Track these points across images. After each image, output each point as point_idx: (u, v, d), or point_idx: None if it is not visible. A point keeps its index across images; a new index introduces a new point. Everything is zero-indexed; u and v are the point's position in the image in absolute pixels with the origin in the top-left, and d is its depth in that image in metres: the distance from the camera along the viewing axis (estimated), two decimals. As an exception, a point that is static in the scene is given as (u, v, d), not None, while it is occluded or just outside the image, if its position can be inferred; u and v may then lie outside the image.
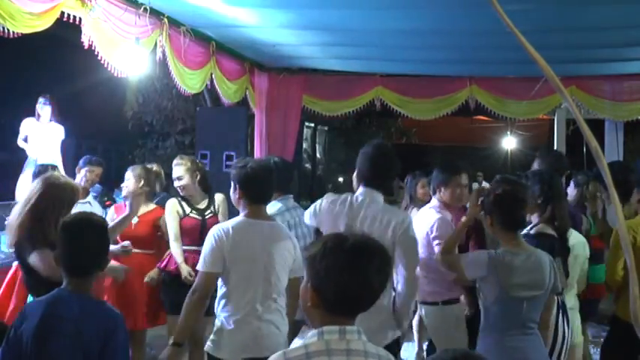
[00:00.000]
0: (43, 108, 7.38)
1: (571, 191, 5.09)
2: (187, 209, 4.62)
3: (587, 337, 5.24)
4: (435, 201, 4.32)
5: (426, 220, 4.21)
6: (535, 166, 4.55)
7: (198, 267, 3.33)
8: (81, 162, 5.43)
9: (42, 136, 7.43)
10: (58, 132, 7.55)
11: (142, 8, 5.03)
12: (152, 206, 4.84)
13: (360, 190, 3.49)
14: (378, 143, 3.65)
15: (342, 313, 1.82)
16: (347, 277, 1.77)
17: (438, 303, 4.16)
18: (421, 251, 3.92)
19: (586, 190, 5.07)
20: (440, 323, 4.20)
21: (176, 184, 4.64)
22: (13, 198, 7.66)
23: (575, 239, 3.97)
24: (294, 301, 3.35)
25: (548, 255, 3.25)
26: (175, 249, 4.60)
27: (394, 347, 3.50)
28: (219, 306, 3.34)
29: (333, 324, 1.81)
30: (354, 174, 3.61)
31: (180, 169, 4.62)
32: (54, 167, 4.77)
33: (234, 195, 3.42)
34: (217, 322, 3.33)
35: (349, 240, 1.82)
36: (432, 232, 4.11)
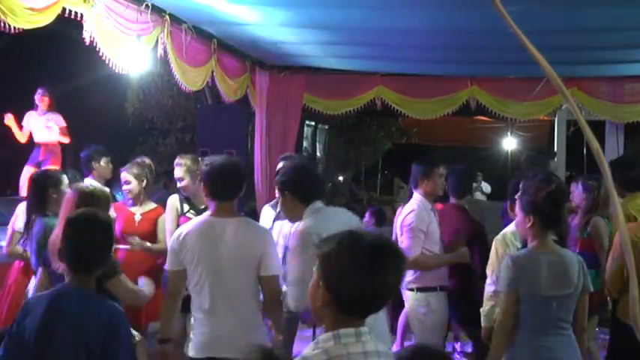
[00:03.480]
0: (42, 99, 7.55)
1: (579, 194, 5.09)
2: (186, 207, 4.70)
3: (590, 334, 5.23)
4: (416, 195, 4.53)
5: (404, 212, 4.47)
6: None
7: (166, 265, 3.41)
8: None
9: (41, 126, 7.53)
10: (56, 121, 7.65)
11: (144, 5, 5.03)
12: (153, 205, 4.91)
13: None
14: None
15: (354, 313, 1.79)
16: (364, 276, 1.73)
17: (414, 290, 4.39)
18: (406, 241, 4.29)
19: (597, 195, 5.07)
20: (412, 308, 4.44)
21: (178, 184, 4.70)
22: (13, 193, 7.67)
23: None
24: (270, 301, 3.35)
25: (577, 255, 3.27)
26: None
27: None
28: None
29: (345, 325, 1.78)
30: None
31: (179, 171, 4.66)
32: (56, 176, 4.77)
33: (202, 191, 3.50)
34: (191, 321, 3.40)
35: (366, 238, 1.79)
36: (404, 222, 4.39)
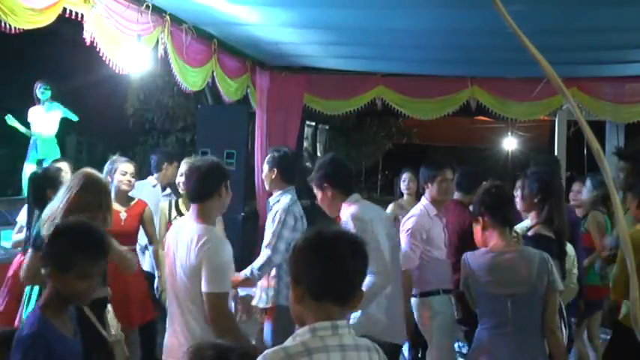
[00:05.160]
0: (44, 92, 7.54)
1: (587, 193, 5.09)
2: (173, 214, 4.73)
3: (582, 338, 5.25)
4: (423, 199, 4.51)
5: (407, 215, 4.47)
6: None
7: None
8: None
9: (43, 119, 7.55)
10: (58, 113, 7.68)
11: (145, 5, 5.03)
12: (134, 199, 4.86)
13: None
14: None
15: (328, 300, 1.90)
16: (327, 263, 1.90)
17: (416, 295, 4.37)
18: (404, 246, 4.24)
19: (606, 190, 5.08)
20: (418, 314, 4.41)
21: (180, 179, 4.70)
22: (14, 194, 7.68)
23: None
24: (212, 321, 3.03)
25: (540, 253, 3.21)
26: (161, 257, 4.72)
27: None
28: None
29: (322, 313, 1.88)
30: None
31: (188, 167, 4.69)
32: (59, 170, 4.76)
33: None
34: None
35: (327, 231, 1.97)
36: (404, 226, 4.37)
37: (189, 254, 3.09)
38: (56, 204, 3.44)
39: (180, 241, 3.17)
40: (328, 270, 1.90)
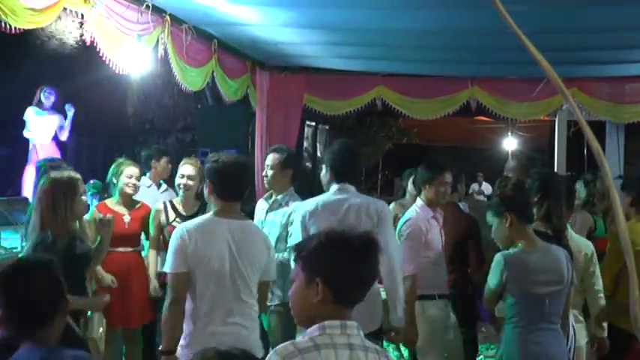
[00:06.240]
0: (49, 97, 7.53)
1: (581, 192, 5.07)
2: (171, 217, 4.63)
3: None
4: (419, 200, 4.37)
5: (402, 219, 4.32)
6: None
7: (165, 268, 3.21)
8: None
9: (42, 125, 7.54)
10: (57, 120, 7.67)
11: (145, 5, 5.03)
12: (138, 202, 4.82)
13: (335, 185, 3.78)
14: (344, 140, 4.05)
15: (346, 304, 1.93)
16: (358, 264, 1.91)
17: None
18: (405, 251, 4.09)
19: (594, 188, 5.01)
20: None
21: (182, 181, 4.62)
22: (13, 194, 7.68)
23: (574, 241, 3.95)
24: (263, 304, 3.42)
25: (562, 249, 3.35)
26: (150, 257, 4.71)
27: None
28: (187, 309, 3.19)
29: (334, 315, 1.89)
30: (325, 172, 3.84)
31: (192, 169, 4.65)
32: (59, 160, 4.71)
33: (206, 189, 3.29)
34: (184, 326, 3.16)
35: (352, 233, 1.96)
36: (401, 230, 4.22)
37: (255, 250, 3.24)
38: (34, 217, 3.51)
39: (230, 238, 3.15)
40: (363, 277, 1.93)
